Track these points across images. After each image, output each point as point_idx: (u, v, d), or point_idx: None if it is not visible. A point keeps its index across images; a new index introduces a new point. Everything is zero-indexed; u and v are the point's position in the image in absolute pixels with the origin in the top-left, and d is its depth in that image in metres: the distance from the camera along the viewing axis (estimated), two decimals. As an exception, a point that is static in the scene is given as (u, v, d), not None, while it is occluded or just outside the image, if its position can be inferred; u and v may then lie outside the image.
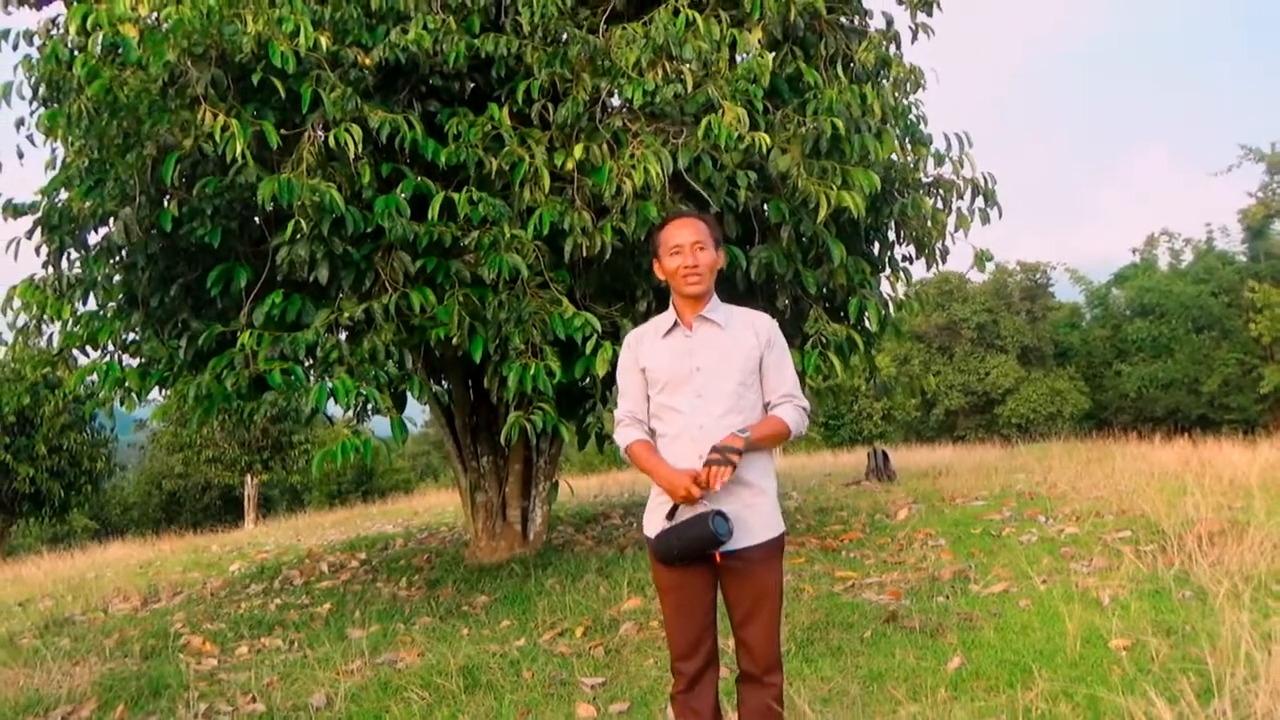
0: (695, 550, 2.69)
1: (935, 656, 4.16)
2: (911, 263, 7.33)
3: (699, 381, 2.81)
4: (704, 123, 5.20)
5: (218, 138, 4.88)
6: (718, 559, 2.74)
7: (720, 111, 5.23)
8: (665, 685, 4.17)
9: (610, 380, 6.31)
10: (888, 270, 7.23)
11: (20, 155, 5.61)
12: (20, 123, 5.79)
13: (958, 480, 10.08)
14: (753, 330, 2.88)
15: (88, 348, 6.45)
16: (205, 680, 5.11)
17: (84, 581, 9.75)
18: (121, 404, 6.37)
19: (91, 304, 6.22)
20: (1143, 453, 10.81)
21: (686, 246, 2.83)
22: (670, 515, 2.74)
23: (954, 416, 32.25)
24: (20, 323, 6.42)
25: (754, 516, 2.76)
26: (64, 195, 5.83)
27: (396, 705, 4.27)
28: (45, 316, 6.32)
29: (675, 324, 2.89)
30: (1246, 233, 32.21)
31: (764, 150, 5.30)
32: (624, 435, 2.90)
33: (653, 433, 2.88)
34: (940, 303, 31.99)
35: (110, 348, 6.43)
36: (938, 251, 6.90)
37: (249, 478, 24.32)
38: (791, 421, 2.82)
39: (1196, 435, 13.22)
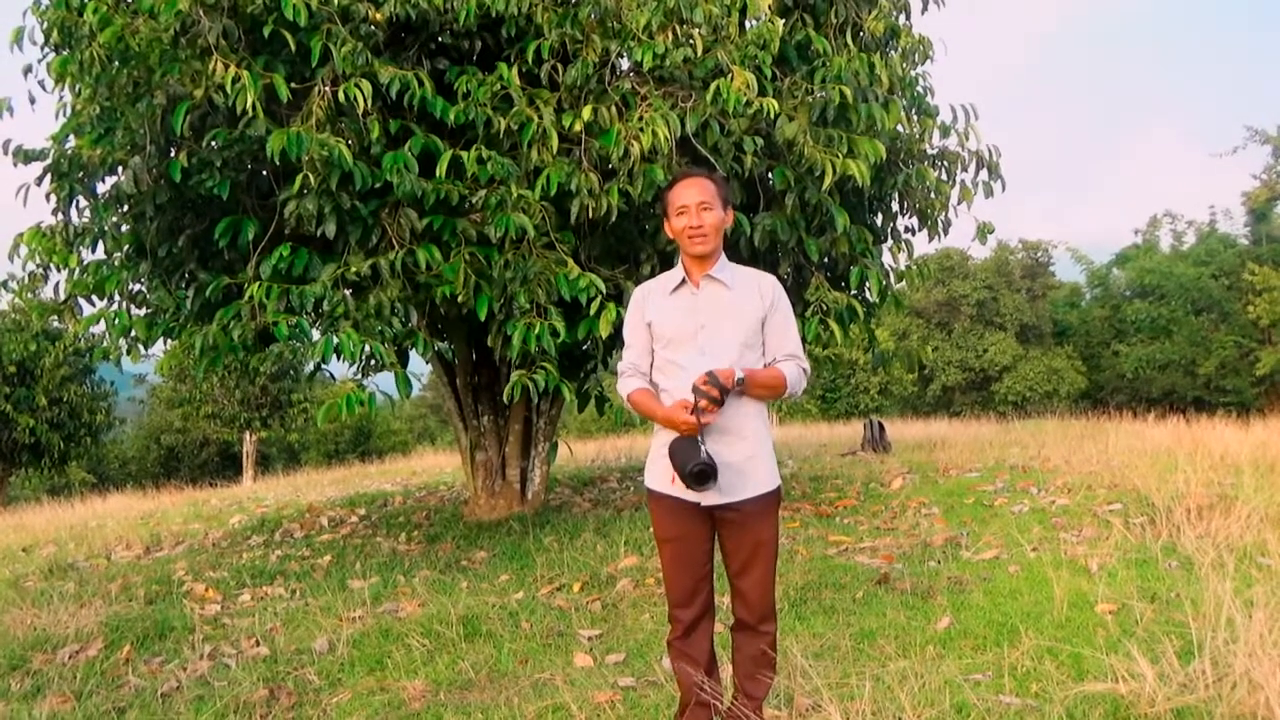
0: (689, 466, 2.70)
1: (925, 617, 4.26)
2: (914, 235, 7.38)
3: (702, 339, 2.87)
4: (712, 87, 5.22)
5: (228, 89, 4.89)
6: (695, 491, 2.78)
7: (729, 76, 5.24)
8: (661, 638, 4.27)
9: (612, 344, 6.37)
10: (889, 242, 7.27)
11: (32, 101, 5.62)
12: (29, 70, 5.79)
13: (952, 452, 10.19)
14: (758, 291, 2.94)
15: (94, 297, 6.49)
16: (209, 624, 5.22)
17: (86, 530, 9.86)
18: (128, 353, 6.42)
19: (99, 253, 6.25)
20: (1137, 430, 10.93)
21: (692, 207, 2.88)
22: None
23: (950, 392, 32.37)
24: (28, 270, 6.45)
25: (751, 470, 2.84)
26: (73, 142, 5.85)
27: (398, 650, 4.38)
28: (53, 264, 6.35)
29: (683, 281, 2.94)
30: (1249, 215, 32.14)
31: (771, 116, 5.32)
32: (625, 385, 2.97)
33: (655, 386, 2.95)
34: (941, 278, 32.00)
35: (117, 298, 6.47)
36: (940, 223, 6.94)
37: (247, 435, 24.43)
38: (790, 377, 2.87)
39: (1191, 416, 13.30)
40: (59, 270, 6.42)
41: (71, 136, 5.88)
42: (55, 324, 20.00)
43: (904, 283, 7.43)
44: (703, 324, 2.88)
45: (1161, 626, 3.77)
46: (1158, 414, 13.24)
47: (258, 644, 4.76)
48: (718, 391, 2.71)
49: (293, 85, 5.18)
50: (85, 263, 6.35)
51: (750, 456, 2.84)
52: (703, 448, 2.69)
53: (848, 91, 5.46)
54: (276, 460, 31.71)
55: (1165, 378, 30.17)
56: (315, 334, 5.70)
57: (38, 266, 6.42)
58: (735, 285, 2.93)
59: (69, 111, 5.99)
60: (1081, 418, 15.09)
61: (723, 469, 2.74)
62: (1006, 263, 33.44)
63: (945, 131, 6.80)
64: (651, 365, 2.97)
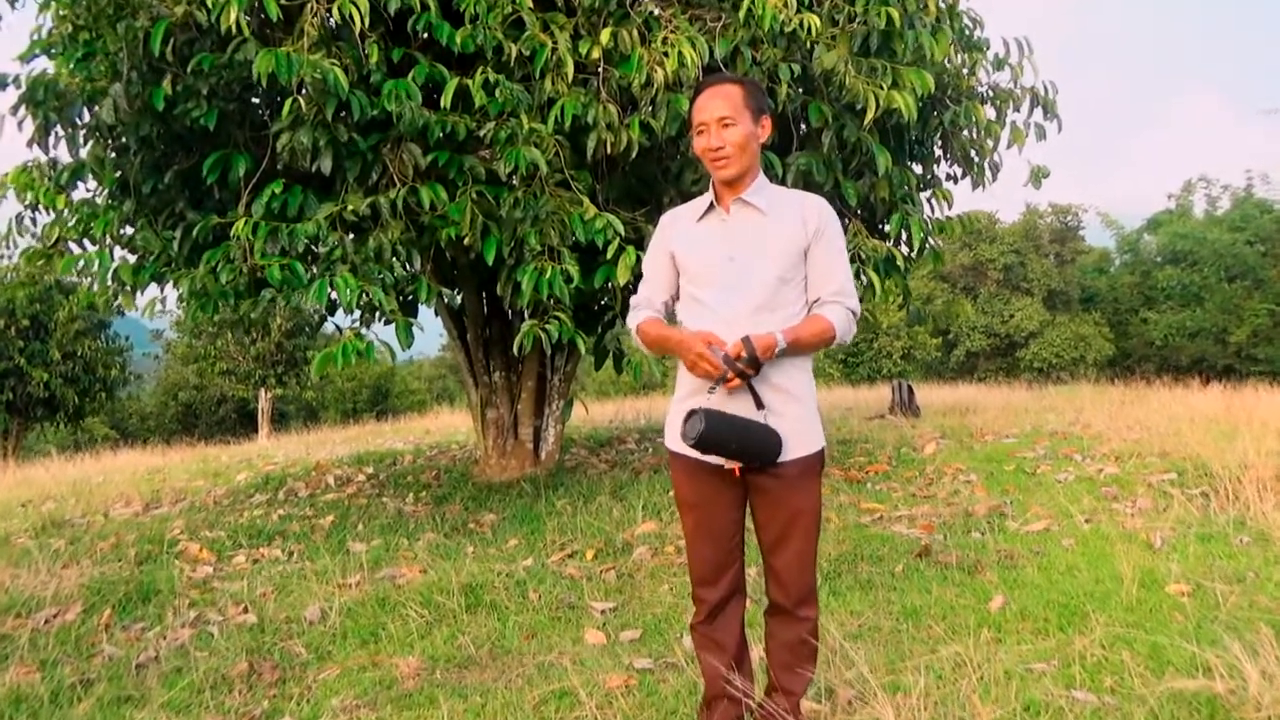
0: (738, 445, 2.32)
1: (975, 595, 3.85)
2: (956, 182, 6.87)
3: (732, 273, 2.43)
4: (744, 5, 4.71)
5: (210, 4, 4.44)
6: (736, 473, 2.42)
7: (764, -6, 4.73)
8: (681, 613, 3.89)
9: (631, 293, 5.92)
10: (929, 192, 6.75)
11: (-1, 18, 5.19)
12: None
13: (985, 417, 9.72)
14: (800, 216, 2.48)
15: (85, 241, 6.11)
16: (197, 588, 4.88)
17: (90, 485, 9.58)
18: (116, 299, 6.04)
19: (83, 191, 5.85)
20: (1178, 397, 10.39)
21: (711, 125, 2.43)
22: (711, 391, 2.36)
23: (974, 358, 31.72)
24: (16, 214, 6.08)
25: (788, 428, 2.40)
26: (47, 66, 5.40)
27: (393, 622, 4.01)
28: (40, 205, 5.97)
29: (711, 206, 2.50)
30: (1290, 179, 31.10)
31: (812, 36, 4.80)
32: (634, 318, 2.56)
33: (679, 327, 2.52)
34: (967, 242, 31.23)
35: (108, 240, 6.08)
36: (987, 168, 6.41)
37: (263, 392, 24.20)
38: (838, 323, 2.42)
39: (1232, 383, 12.74)
40: (48, 212, 6.05)
41: (42, 57, 5.44)
42: (48, 264, 19.73)
43: (943, 234, 6.92)
44: (732, 255, 2.44)
45: (1247, 611, 3.35)
46: (1199, 381, 12.68)
47: (246, 610, 4.42)
48: (754, 370, 2.28)
49: (283, 3, 4.72)
50: (72, 203, 5.97)
51: (786, 413, 2.41)
52: (757, 412, 2.34)
53: (895, 14, 4.93)
54: (295, 418, 31.54)
55: (1195, 346, 29.39)
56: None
57: (25, 207, 6.05)
58: (772, 210, 2.48)
59: (45, 33, 5.55)
60: (1115, 384, 14.56)
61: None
62: (1035, 227, 32.59)
63: (1000, 64, 6.25)
64: (674, 300, 2.53)
